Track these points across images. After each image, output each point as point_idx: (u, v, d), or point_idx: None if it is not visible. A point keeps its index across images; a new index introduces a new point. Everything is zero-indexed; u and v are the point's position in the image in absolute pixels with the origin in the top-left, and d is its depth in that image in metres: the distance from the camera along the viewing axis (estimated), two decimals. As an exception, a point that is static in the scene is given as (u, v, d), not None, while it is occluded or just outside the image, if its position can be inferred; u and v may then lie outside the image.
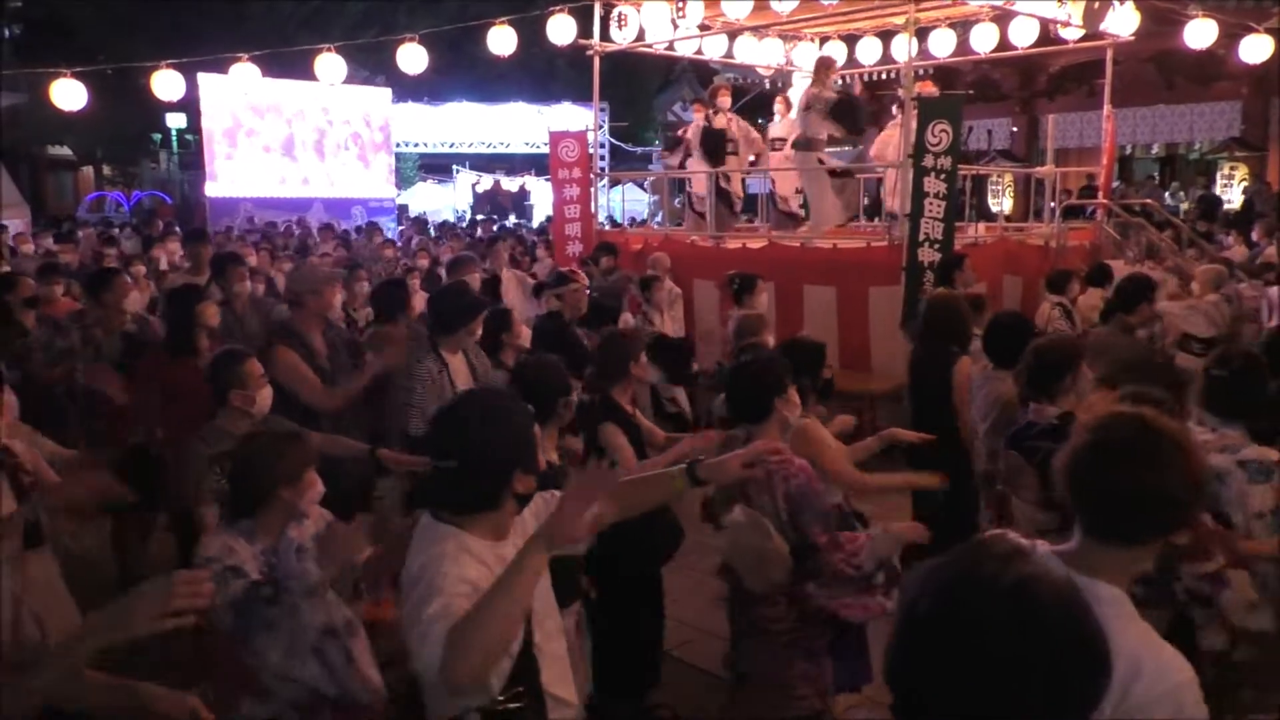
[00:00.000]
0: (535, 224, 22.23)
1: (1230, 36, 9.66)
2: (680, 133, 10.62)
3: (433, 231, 18.31)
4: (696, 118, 10.29)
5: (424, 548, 1.99)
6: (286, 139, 21.48)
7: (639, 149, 25.99)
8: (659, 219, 14.56)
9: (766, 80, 12.50)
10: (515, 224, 22.80)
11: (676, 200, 12.93)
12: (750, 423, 3.11)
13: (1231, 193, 17.79)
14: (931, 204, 7.14)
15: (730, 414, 3.26)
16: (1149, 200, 12.25)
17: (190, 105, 18.27)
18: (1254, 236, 10.74)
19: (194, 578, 1.76)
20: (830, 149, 9.24)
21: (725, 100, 9.57)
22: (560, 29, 9.14)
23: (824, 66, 8.95)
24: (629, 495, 2.31)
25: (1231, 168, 18.20)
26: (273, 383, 3.59)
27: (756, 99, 14.41)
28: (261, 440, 2.59)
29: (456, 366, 4.17)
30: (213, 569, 2.39)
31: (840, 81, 10.31)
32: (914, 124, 7.19)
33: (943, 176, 7.11)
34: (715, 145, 9.39)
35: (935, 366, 4.65)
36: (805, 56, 11.30)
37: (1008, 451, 3.57)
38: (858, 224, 9.65)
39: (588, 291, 6.26)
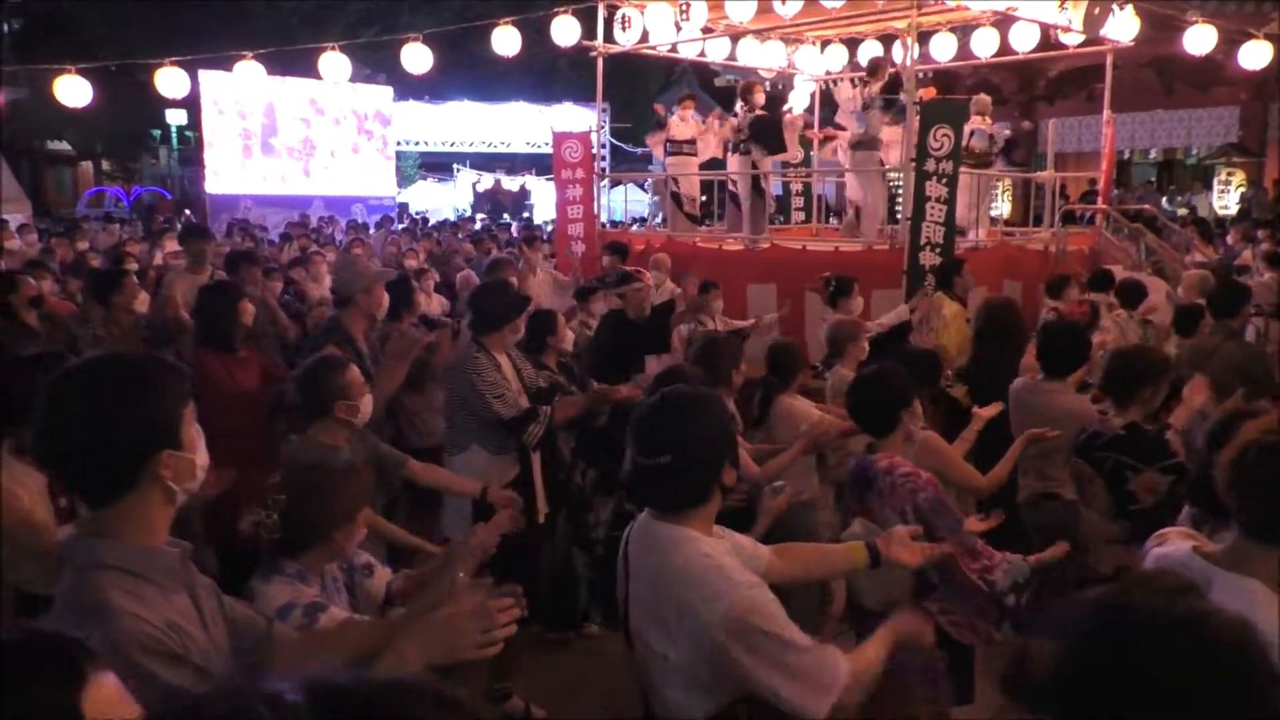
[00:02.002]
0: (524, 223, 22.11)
1: (1229, 42, 9.71)
2: (665, 123, 10.54)
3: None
4: (684, 113, 10.22)
5: (660, 550, 1.99)
6: (287, 136, 21.46)
7: (640, 149, 25.98)
8: (659, 220, 14.58)
9: (768, 82, 12.52)
10: (508, 222, 22.69)
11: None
12: (875, 435, 3.06)
13: (1229, 198, 17.85)
14: (933, 208, 7.18)
15: (855, 423, 3.22)
16: (1146, 205, 12.31)
17: (191, 102, 18.25)
18: (1229, 240, 10.80)
19: (502, 604, 1.61)
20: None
21: (760, 99, 9.47)
22: (564, 30, 9.18)
23: (878, 66, 8.71)
24: (808, 561, 2.41)
25: (1229, 173, 18.26)
26: None
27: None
28: (321, 476, 2.35)
29: (506, 369, 4.00)
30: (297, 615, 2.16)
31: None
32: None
33: (944, 181, 7.16)
34: (772, 133, 9.23)
35: (994, 371, 4.51)
36: (807, 60, 11.35)
37: (1075, 461, 3.53)
38: (824, 225, 9.70)
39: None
